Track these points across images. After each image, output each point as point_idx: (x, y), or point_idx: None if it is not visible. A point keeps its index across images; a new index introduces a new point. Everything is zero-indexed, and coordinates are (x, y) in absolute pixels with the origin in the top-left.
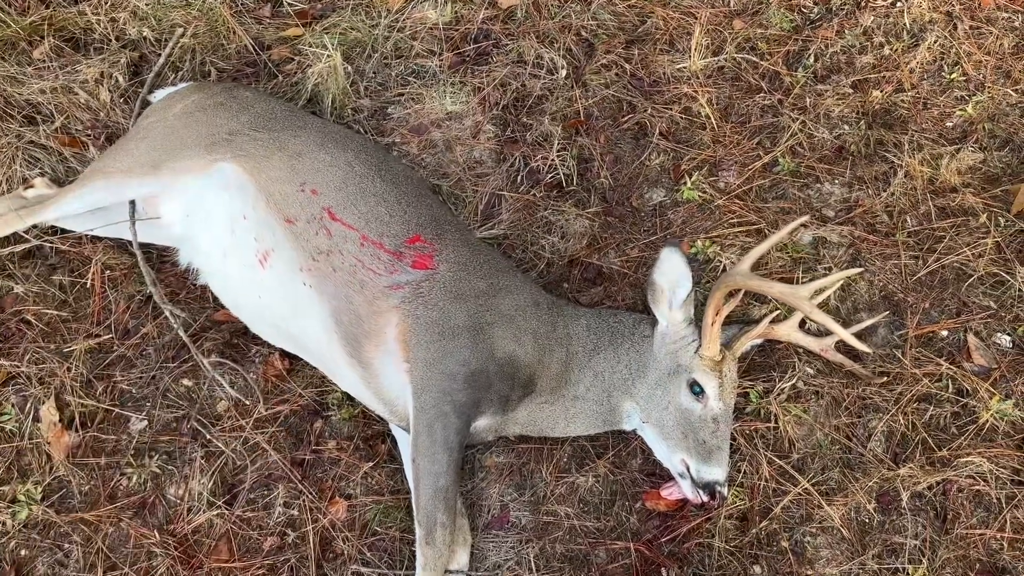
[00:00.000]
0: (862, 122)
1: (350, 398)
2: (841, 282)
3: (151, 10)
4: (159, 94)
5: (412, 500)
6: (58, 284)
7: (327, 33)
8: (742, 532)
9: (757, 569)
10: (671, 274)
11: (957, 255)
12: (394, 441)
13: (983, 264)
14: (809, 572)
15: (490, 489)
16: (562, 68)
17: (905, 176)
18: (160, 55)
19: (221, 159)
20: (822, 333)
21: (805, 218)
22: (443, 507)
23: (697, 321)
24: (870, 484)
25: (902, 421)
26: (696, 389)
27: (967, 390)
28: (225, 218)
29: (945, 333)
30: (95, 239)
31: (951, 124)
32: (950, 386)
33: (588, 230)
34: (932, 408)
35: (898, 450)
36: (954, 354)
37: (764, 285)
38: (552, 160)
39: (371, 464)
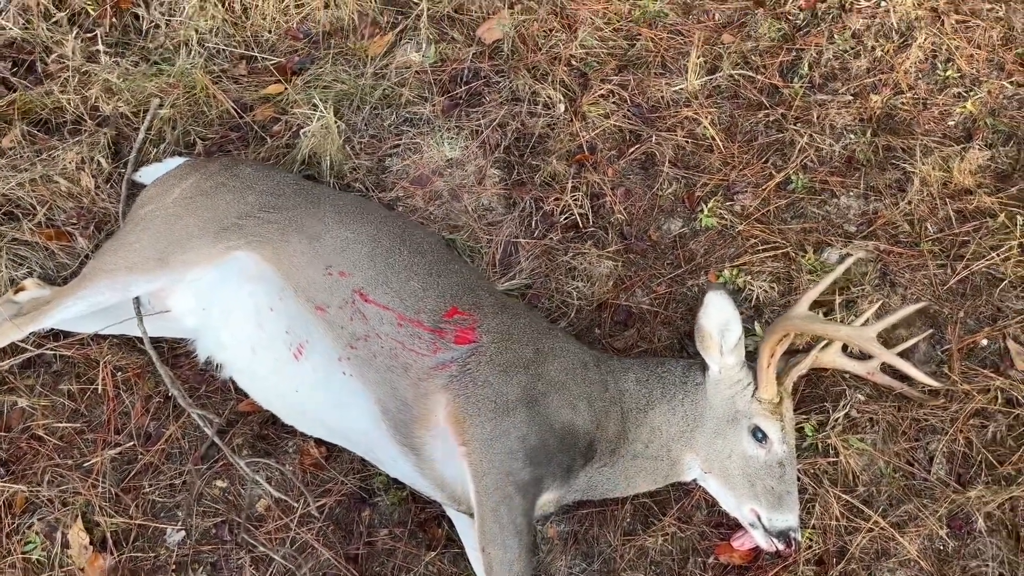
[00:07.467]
0: (867, 130)
1: (396, 480)
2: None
3: (124, 83)
4: (144, 172)
5: None
6: (66, 393)
7: (310, 87)
8: None
9: None
10: (719, 318)
11: (985, 261)
12: (450, 523)
13: (1011, 267)
14: None
15: (557, 562)
16: (559, 103)
17: (921, 184)
18: (139, 130)
19: (235, 247)
20: (866, 356)
21: (860, 253)
22: None
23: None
24: (940, 511)
25: (961, 440)
26: (759, 435)
27: (1018, 399)
28: (250, 312)
29: (985, 342)
30: (99, 338)
31: (953, 123)
32: (999, 397)
33: (612, 271)
34: (989, 424)
35: (961, 471)
36: (997, 363)
37: (828, 329)
38: (567, 202)
39: (433, 552)
